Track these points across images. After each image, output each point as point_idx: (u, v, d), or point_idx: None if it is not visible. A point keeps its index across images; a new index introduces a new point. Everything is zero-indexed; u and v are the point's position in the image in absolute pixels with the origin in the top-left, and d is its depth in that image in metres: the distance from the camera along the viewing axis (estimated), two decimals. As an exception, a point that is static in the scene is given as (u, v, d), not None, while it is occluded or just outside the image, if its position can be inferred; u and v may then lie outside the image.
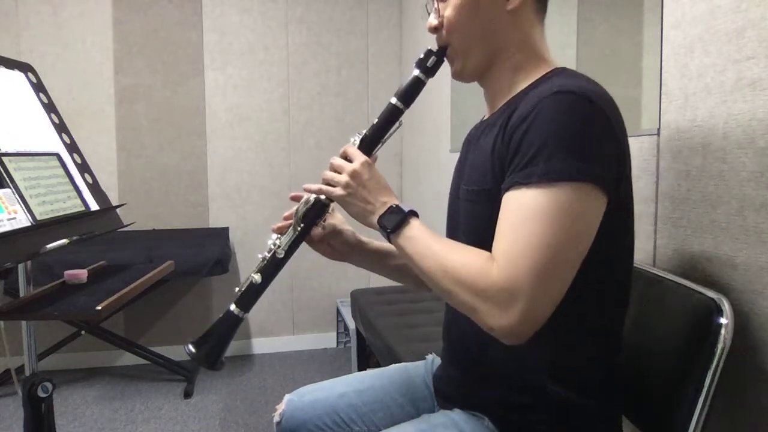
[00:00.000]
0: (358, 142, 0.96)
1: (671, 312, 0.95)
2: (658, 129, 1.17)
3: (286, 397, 1.14)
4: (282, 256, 0.96)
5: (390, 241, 0.88)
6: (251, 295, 0.97)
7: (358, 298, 2.52)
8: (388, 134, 0.96)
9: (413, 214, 0.88)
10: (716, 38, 1.00)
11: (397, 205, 0.89)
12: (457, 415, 0.94)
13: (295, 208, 1.00)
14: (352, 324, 2.70)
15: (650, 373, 0.96)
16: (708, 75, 1.03)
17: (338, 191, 0.92)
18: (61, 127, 1.53)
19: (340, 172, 0.93)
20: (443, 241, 0.85)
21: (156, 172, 3.13)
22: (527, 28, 0.91)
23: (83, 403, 2.64)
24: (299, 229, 0.97)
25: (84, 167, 1.54)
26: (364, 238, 1.11)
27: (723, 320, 0.84)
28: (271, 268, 0.97)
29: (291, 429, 1.09)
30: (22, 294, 1.40)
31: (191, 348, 0.95)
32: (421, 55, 0.95)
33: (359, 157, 0.92)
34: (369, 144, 0.96)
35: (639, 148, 1.24)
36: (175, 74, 3.12)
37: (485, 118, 0.98)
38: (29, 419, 1.29)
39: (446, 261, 0.80)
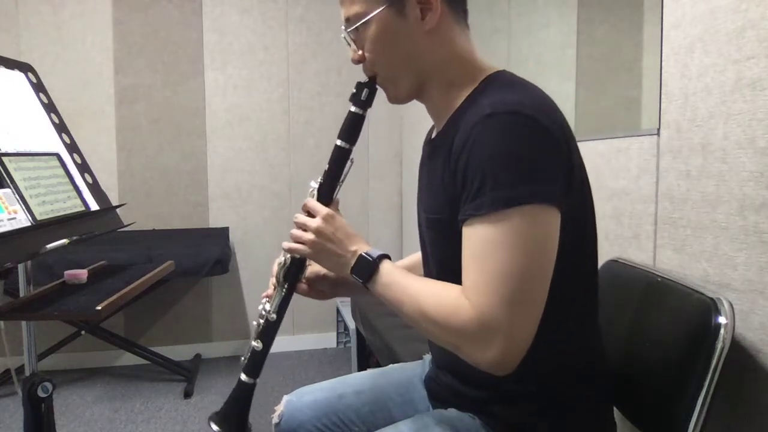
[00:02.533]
0: (316, 193, 0.96)
1: (671, 312, 0.95)
2: (658, 129, 1.17)
3: (285, 398, 1.14)
4: (275, 318, 0.98)
5: (369, 291, 0.89)
6: (257, 361, 0.98)
7: (358, 298, 2.51)
8: (342, 175, 0.97)
9: (384, 257, 0.88)
10: (716, 38, 1.00)
11: (365, 253, 0.88)
12: (451, 414, 0.94)
13: (274, 267, 1.00)
14: (352, 324, 2.70)
15: (650, 373, 0.96)
16: (708, 75, 1.03)
17: (307, 250, 0.92)
18: (61, 127, 1.53)
19: (305, 230, 0.92)
20: (414, 281, 0.85)
21: (156, 172, 3.13)
22: (450, 41, 0.89)
23: (83, 403, 2.64)
24: (284, 290, 0.99)
25: (84, 167, 1.54)
26: None
27: (723, 320, 0.84)
28: (269, 331, 0.98)
29: (290, 430, 1.10)
30: (22, 294, 1.40)
31: (216, 427, 0.99)
32: (354, 90, 0.94)
33: (320, 211, 0.92)
34: (327, 191, 0.96)
35: (639, 148, 1.24)
36: (175, 74, 3.12)
37: (433, 136, 0.97)
38: (29, 419, 1.29)
39: (421, 304, 0.81)
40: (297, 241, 0.94)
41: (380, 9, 0.86)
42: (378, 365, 1.67)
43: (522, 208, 0.73)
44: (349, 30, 0.91)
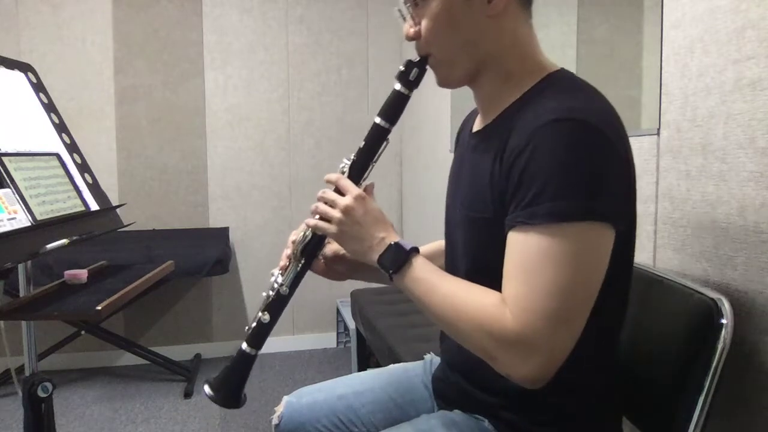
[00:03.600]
0: (347, 170, 0.91)
1: (671, 312, 0.95)
2: (658, 129, 1.17)
3: (285, 398, 1.14)
4: (287, 293, 0.96)
5: (393, 282, 0.85)
6: (261, 333, 0.97)
7: (358, 298, 2.52)
8: (376, 155, 0.92)
9: (415, 251, 0.84)
10: (716, 38, 1.00)
11: (396, 243, 0.84)
12: (456, 416, 0.94)
13: (292, 238, 0.97)
14: (352, 324, 2.70)
15: (650, 373, 0.96)
16: (708, 75, 1.03)
17: (332, 228, 0.88)
18: (61, 127, 1.53)
19: (333, 207, 0.88)
20: (449, 280, 0.82)
21: (156, 172, 3.13)
22: (513, 31, 0.84)
23: (83, 403, 2.64)
24: (300, 264, 0.96)
25: (84, 167, 1.54)
26: None
27: (723, 320, 0.84)
28: (278, 304, 0.96)
29: (290, 431, 1.09)
30: (22, 294, 1.40)
31: (209, 391, 0.97)
32: (402, 68, 0.89)
33: (352, 191, 0.88)
34: (359, 170, 0.91)
35: (639, 148, 1.24)
36: (175, 74, 3.12)
37: (476, 130, 0.93)
38: (29, 419, 1.29)
39: (457, 306, 0.77)
40: (322, 218, 0.90)
41: None
42: (378, 365, 1.67)
43: (579, 224, 0.70)
44: (407, 3, 0.86)
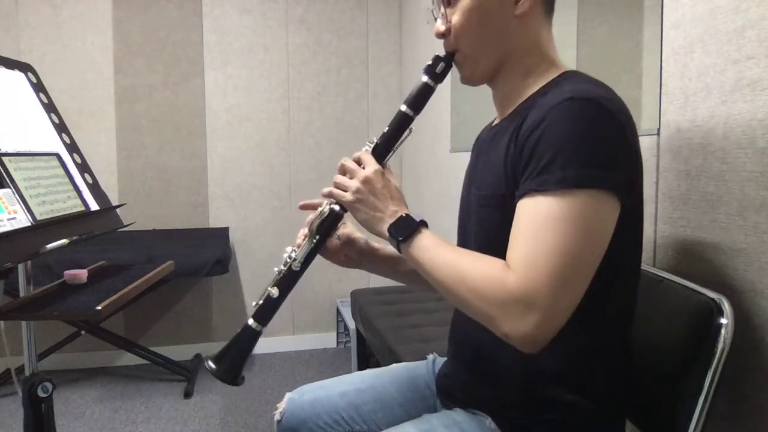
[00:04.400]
0: (370, 149, 0.95)
1: (671, 312, 0.95)
2: (658, 129, 1.17)
3: (287, 395, 1.14)
4: (298, 269, 0.96)
5: (400, 251, 0.87)
6: (269, 308, 0.96)
7: (358, 298, 2.52)
8: (399, 142, 0.95)
9: (424, 224, 0.87)
10: (716, 38, 1.00)
11: (407, 215, 0.87)
12: (458, 415, 0.94)
13: (309, 218, 0.98)
14: (352, 324, 2.70)
15: (650, 373, 0.95)
16: (708, 75, 1.03)
17: (348, 196, 0.91)
18: (61, 127, 1.53)
19: (351, 177, 0.91)
20: (455, 249, 0.84)
21: (156, 172, 3.13)
22: (536, 31, 0.90)
23: (83, 403, 2.64)
24: (315, 241, 0.96)
25: (84, 167, 1.54)
26: (376, 245, 1.11)
27: (723, 320, 0.84)
28: (288, 281, 0.96)
29: (291, 428, 1.09)
30: (22, 294, 1.40)
31: (211, 364, 0.96)
32: (429, 62, 0.94)
33: (372, 164, 0.91)
34: (381, 152, 0.94)
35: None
36: (175, 74, 3.12)
37: (495, 123, 0.98)
38: (29, 419, 1.29)
39: (461, 270, 0.79)
40: (339, 187, 0.92)
41: None
42: (378, 365, 1.67)
43: (587, 191, 0.73)
44: (440, 2, 0.91)
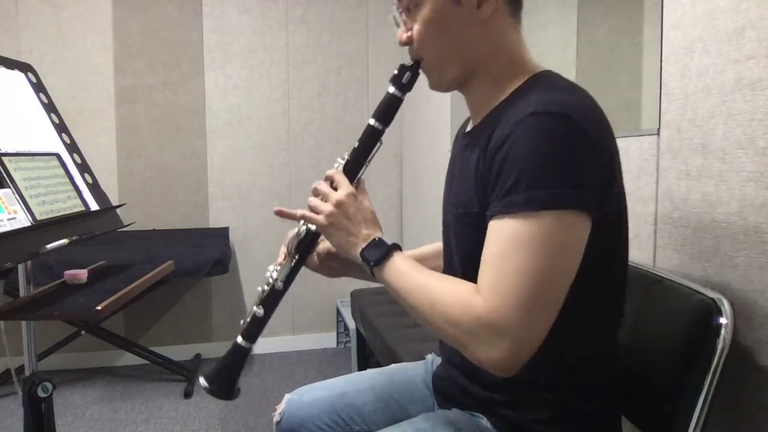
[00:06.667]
0: (341, 168, 0.93)
1: (671, 312, 0.95)
2: (658, 129, 1.17)
3: (287, 396, 1.15)
4: (281, 288, 0.97)
5: (373, 275, 0.87)
6: (256, 326, 0.98)
7: (358, 298, 2.52)
8: (370, 156, 0.94)
9: (396, 247, 0.87)
10: (716, 38, 1.00)
11: (380, 238, 0.87)
12: (455, 415, 0.94)
13: (288, 237, 0.99)
14: (352, 324, 2.70)
15: (650, 373, 0.96)
16: (708, 75, 1.03)
17: (321, 220, 0.90)
18: (61, 127, 1.53)
19: (325, 200, 0.90)
20: (427, 273, 0.83)
21: (156, 172, 3.13)
22: (502, 35, 0.87)
23: (83, 403, 2.64)
24: (294, 261, 0.97)
25: (84, 167, 1.54)
26: None
27: (723, 320, 0.84)
28: (272, 299, 0.98)
29: (291, 428, 1.10)
30: (22, 294, 1.40)
31: (205, 383, 0.97)
32: (395, 72, 0.92)
33: (345, 186, 0.90)
34: (353, 169, 0.93)
35: (639, 148, 1.24)
36: (175, 74, 3.12)
37: (468, 130, 0.96)
38: (29, 419, 1.29)
39: (431, 295, 0.79)
40: (313, 210, 0.91)
41: None
42: (378, 365, 1.67)
43: (553, 212, 0.71)
44: (400, 9, 0.89)
